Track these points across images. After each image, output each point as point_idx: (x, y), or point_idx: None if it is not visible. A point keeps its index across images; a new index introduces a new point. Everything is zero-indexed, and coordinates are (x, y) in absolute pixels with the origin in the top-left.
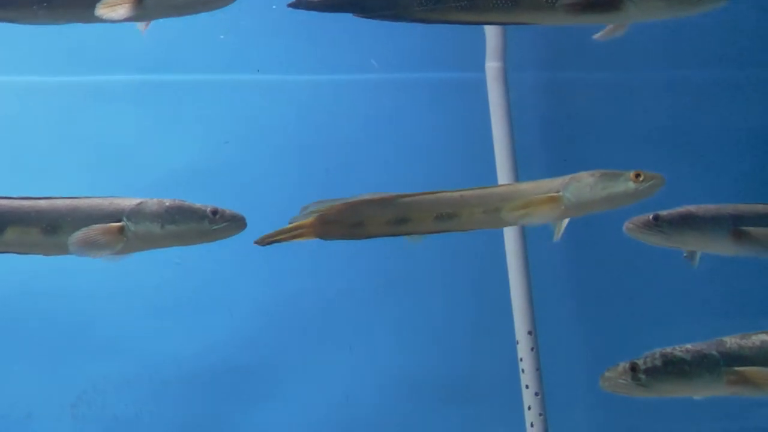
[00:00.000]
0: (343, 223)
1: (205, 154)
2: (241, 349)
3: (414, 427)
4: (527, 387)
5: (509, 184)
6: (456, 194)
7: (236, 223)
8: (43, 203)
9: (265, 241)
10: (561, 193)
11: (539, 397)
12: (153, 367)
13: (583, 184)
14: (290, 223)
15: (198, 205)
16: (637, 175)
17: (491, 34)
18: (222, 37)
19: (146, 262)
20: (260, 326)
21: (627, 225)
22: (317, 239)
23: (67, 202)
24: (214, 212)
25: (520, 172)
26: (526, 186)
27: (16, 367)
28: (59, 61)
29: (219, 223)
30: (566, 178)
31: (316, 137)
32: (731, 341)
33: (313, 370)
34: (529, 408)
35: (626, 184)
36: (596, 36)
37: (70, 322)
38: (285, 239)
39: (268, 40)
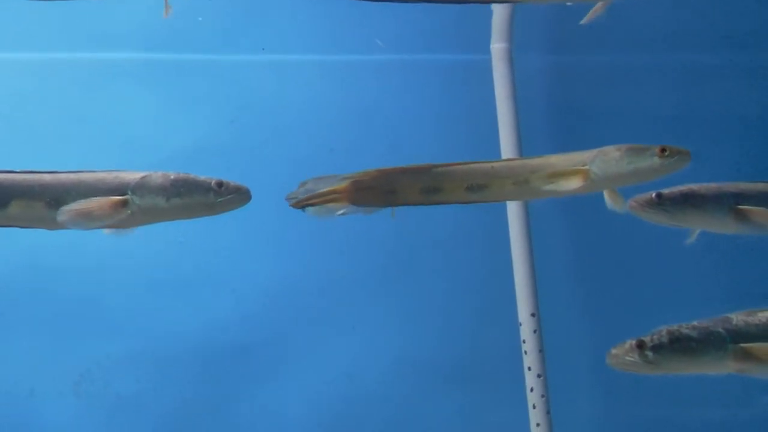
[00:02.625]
0: (376, 189)
1: (211, 133)
2: (243, 328)
3: (416, 408)
4: (529, 369)
5: (539, 157)
6: (487, 165)
7: (241, 195)
8: (47, 177)
9: (299, 204)
10: (588, 167)
11: (541, 378)
12: (156, 345)
13: (609, 158)
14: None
15: (203, 177)
16: (663, 150)
17: (497, 14)
18: (200, 19)
19: (150, 240)
20: (263, 305)
21: (630, 203)
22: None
23: (72, 176)
24: (219, 184)
25: (524, 154)
26: (555, 159)
27: (19, 344)
28: (66, 38)
29: (224, 195)
30: (594, 151)
31: (320, 117)
32: (737, 318)
33: (315, 349)
34: (532, 390)
35: (652, 159)
36: (582, 21)
37: (73, 299)
38: (318, 203)
39: (274, 19)
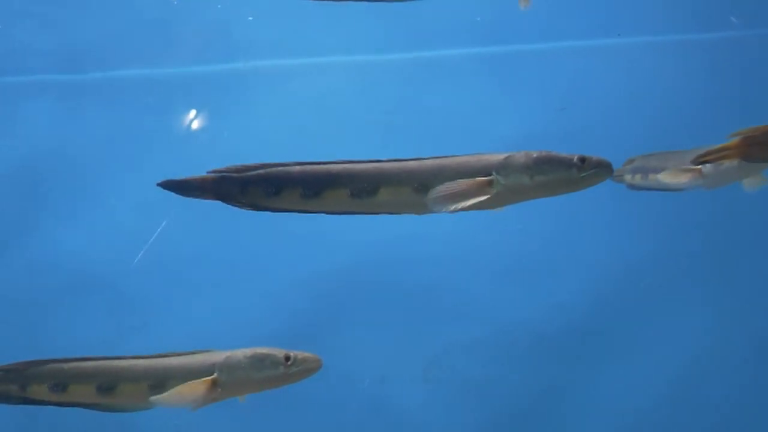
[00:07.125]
0: (767, 145)
1: (541, 122)
2: (587, 312)
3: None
4: None
5: None
6: None
7: (603, 169)
8: (412, 164)
9: (697, 161)
10: None
11: None
12: (500, 331)
13: None
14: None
15: (565, 154)
16: None
17: None
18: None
19: (490, 229)
20: (606, 288)
21: None
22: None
23: (436, 161)
24: (582, 160)
25: None
26: None
27: (370, 333)
28: (401, 39)
29: (587, 171)
30: None
31: (647, 99)
32: None
33: (660, 331)
34: None
35: None
36: None
37: (420, 288)
38: (713, 159)
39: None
